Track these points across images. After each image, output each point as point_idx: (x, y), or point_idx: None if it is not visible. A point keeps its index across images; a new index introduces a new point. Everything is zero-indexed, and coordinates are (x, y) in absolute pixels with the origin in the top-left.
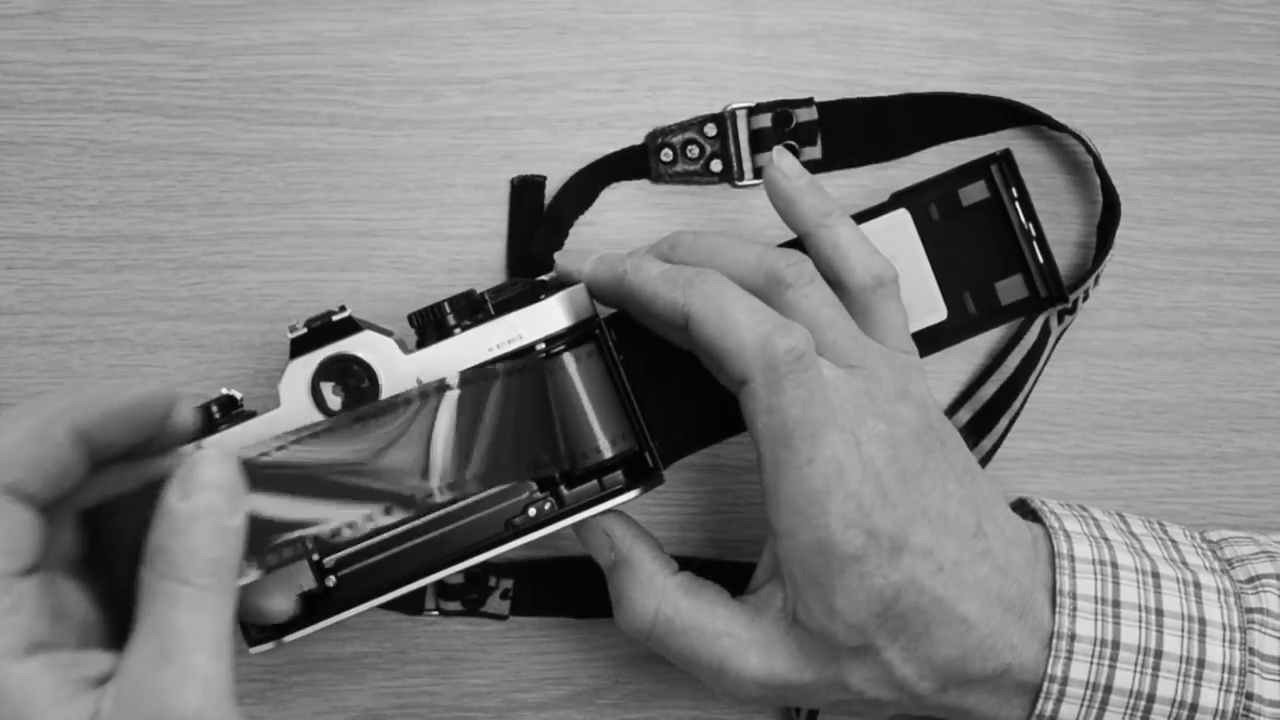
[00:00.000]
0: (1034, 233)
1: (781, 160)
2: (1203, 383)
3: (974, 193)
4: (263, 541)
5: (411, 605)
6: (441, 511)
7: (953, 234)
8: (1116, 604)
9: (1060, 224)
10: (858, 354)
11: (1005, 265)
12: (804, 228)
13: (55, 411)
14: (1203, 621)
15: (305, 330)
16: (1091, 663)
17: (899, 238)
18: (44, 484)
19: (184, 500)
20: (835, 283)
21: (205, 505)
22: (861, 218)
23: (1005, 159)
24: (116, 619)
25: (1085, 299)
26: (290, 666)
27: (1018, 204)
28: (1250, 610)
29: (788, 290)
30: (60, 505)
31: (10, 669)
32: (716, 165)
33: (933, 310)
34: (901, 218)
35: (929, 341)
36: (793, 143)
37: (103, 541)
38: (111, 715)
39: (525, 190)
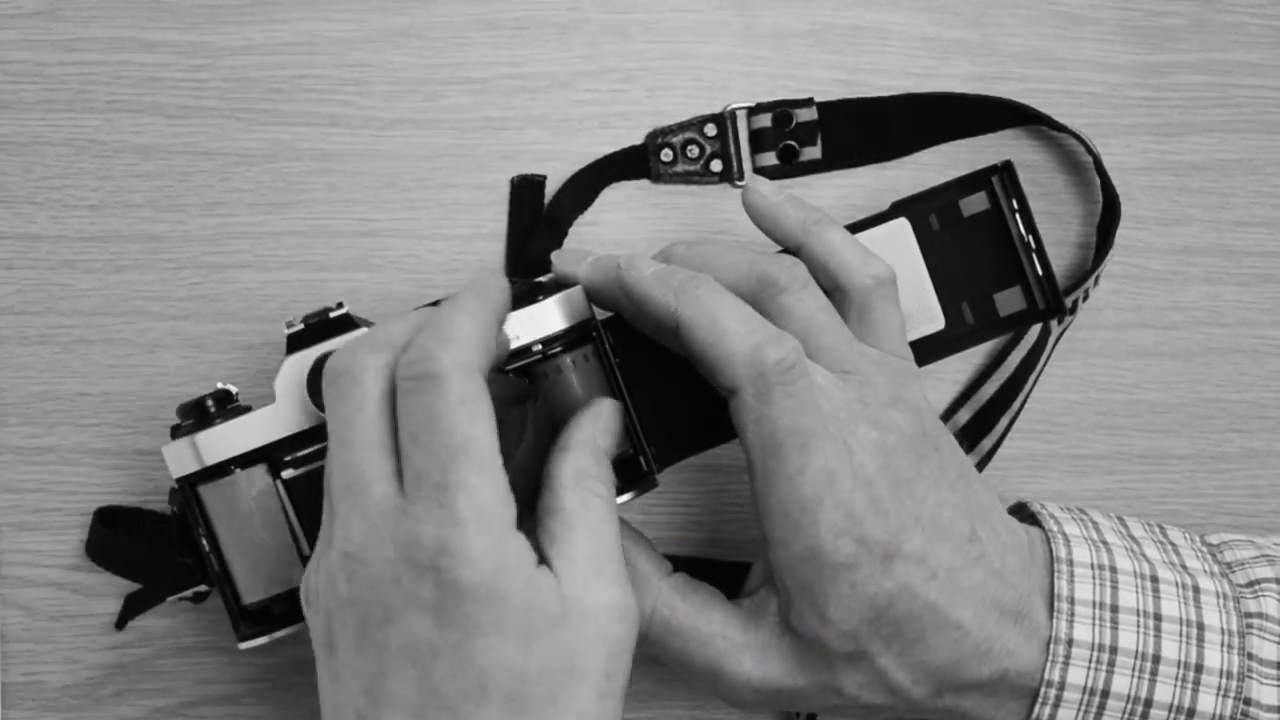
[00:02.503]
0: (1034, 245)
1: (755, 183)
2: (1203, 383)
3: (975, 203)
4: None
5: None
6: None
7: (952, 244)
8: (1115, 609)
9: (1060, 224)
10: (852, 359)
11: (1004, 277)
12: (793, 239)
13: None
14: (1201, 626)
15: (302, 326)
16: (1089, 668)
17: (898, 246)
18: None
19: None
20: (833, 287)
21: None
22: (861, 226)
23: (1007, 170)
24: None
25: (1085, 299)
26: (290, 666)
27: (1018, 216)
28: (1249, 615)
29: (781, 294)
30: None
31: (519, 543)
32: (716, 165)
33: (930, 320)
34: (901, 226)
35: (925, 351)
36: (792, 143)
37: None
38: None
39: (525, 190)
